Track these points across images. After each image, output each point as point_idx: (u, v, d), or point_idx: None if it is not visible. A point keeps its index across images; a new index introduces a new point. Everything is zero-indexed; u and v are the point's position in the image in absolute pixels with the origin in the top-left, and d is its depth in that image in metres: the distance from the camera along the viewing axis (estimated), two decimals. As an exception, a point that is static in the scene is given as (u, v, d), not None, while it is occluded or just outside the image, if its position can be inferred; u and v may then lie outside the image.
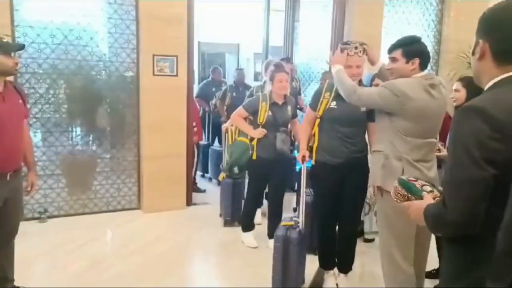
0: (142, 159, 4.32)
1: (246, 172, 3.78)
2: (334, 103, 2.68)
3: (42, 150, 4.07)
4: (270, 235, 3.44)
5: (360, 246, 3.64)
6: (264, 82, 4.00)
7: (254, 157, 3.38)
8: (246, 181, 3.84)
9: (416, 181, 1.50)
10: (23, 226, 3.82)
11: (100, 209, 4.34)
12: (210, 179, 5.65)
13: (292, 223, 2.87)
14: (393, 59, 2.28)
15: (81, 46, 4.07)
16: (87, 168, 4.31)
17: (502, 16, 1.15)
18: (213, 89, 6.07)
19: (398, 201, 1.50)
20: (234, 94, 5.38)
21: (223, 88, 5.68)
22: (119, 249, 3.53)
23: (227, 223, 4.05)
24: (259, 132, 3.33)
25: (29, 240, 3.59)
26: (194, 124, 4.77)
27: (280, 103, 3.37)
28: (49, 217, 4.05)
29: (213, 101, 5.74)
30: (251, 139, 3.41)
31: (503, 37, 1.14)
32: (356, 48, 2.59)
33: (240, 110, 3.48)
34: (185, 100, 4.37)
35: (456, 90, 2.81)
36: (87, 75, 4.15)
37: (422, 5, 5.55)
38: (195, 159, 4.87)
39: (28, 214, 4.01)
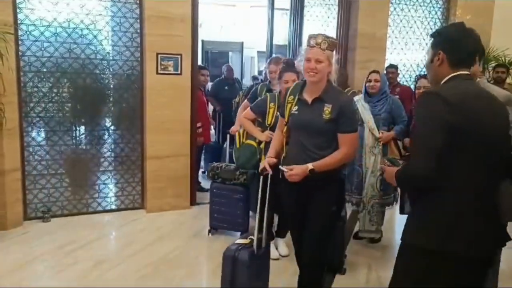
0: (146, 158, 4.30)
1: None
2: (296, 107, 2.36)
3: (45, 149, 4.05)
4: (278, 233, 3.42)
5: (366, 247, 3.63)
6: (269, 81, 3.86)
7: (262, 161, 3.22)
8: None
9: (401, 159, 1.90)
10: (27, 225, 3.86)
11: (104, 209, 4.32)
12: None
13: (248, 241, 2.49)
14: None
15: (85, 44, 4.04)
16: (91, 167, 4.28)
17: (455, 35, 1.69)
18: (226, 87, 5.98)
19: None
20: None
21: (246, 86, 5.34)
22: (123, 249, 3.51)
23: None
24: (266, 135, 3.15)
25: (32, 240, 3.59)
26: (199, 124, 4.71)
27: None
28: (52, 216, 4.03)
29: (237, 99, 5.50)
30: (259, 143, 3.28)
31: (456, 50, 1.67)
32: (320, 39, 2.24)
33: (247, 112, 3.36)
34: (189, 99, 4.34)
35: None
36: (90, 73, 4.13)
37: (428, 3, 5.51)
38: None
39: (31, 213, 4.00)
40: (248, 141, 3.40)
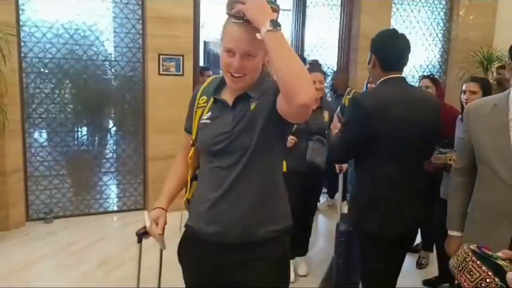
0: (148, 159, 4.29)
1: None
2: (209, 114, 1.45)
3: (47, 150, 4.05)
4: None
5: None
6: None
7: (284, 168, 2.20)
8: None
9: None
10: (29, 226, 3.85)
11: (106, 210, 4.32)
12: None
13: None
14: None
15: (87, 45, 4.04)
16: (93, 168, 4.28)
17: (384, 40, 1.85)
18: None
19: None
20: None
21: None
22: (125, 250, 3.50)
23: None
24: (289, 141, 2.74)
25: (34, 241, 3.59)
26: None
27: (314, 107, 2.72)
28: (55, 217, 4.03)
29: None
30: None
31: (384, 55, 1.83)
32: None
33: None
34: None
35: (473, 92, 2.61)
36: (92, 75, 4.13)
37: (431, 4, 5.49)
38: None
39: (33, 214, 4.00)
40: None
